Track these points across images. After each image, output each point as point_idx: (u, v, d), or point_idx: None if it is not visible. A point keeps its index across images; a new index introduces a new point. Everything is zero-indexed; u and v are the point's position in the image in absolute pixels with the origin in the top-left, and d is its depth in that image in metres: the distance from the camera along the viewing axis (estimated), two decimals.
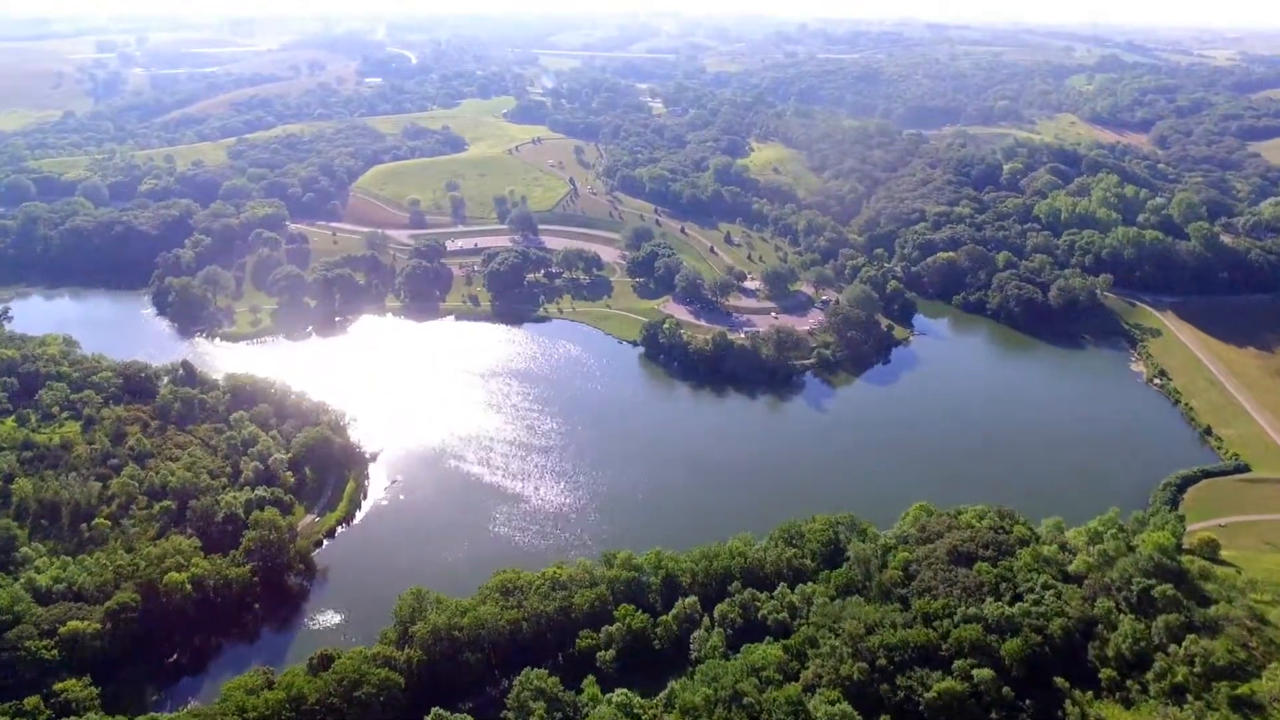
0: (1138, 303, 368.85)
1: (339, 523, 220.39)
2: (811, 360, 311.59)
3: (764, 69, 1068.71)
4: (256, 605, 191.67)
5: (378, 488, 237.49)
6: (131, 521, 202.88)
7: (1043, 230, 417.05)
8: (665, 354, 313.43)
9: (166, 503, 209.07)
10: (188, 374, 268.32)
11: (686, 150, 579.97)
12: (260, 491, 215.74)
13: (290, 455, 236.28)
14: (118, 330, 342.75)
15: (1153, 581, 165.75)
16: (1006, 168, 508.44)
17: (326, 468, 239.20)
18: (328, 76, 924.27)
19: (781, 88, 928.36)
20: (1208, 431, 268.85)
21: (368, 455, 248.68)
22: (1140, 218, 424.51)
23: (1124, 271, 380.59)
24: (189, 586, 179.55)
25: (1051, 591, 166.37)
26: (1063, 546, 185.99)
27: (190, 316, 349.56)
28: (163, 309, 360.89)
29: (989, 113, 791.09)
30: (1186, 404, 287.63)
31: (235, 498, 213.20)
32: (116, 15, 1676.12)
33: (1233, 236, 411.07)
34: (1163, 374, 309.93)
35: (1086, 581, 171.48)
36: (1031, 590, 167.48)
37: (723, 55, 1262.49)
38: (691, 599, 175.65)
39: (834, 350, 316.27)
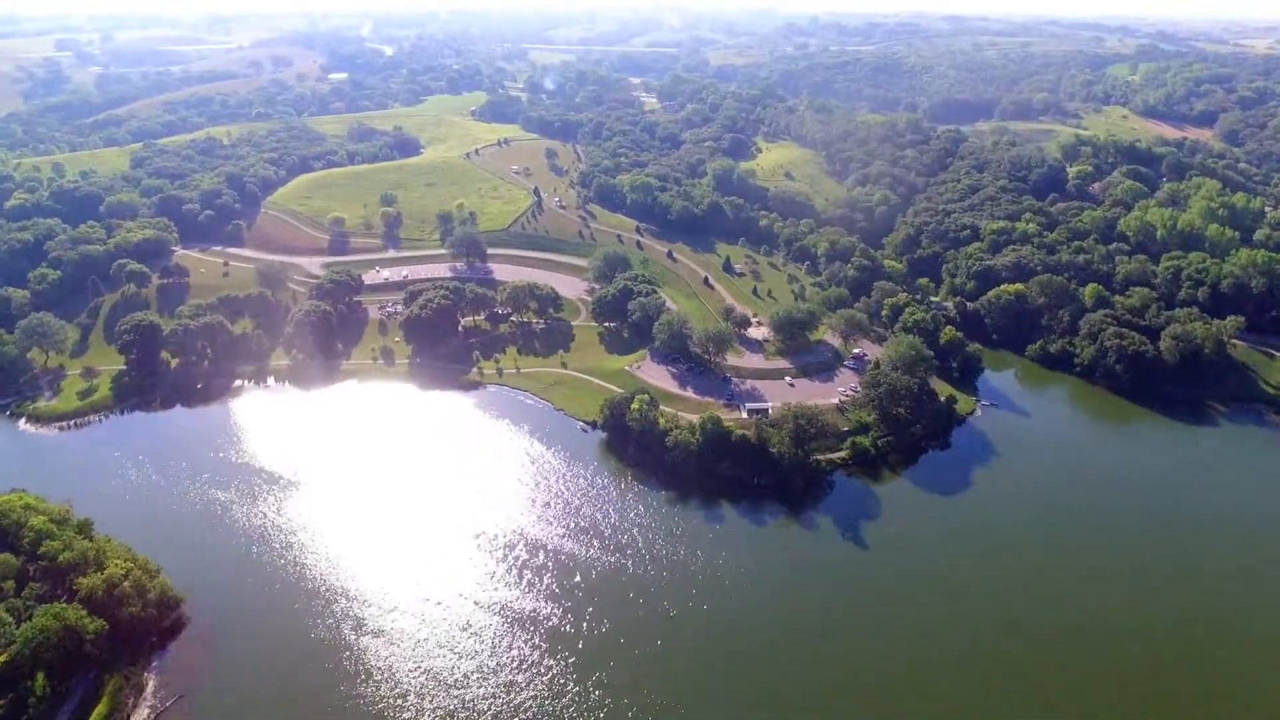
0: (1277, 354, 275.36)
1: None
2: (843, 453, 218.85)
3: (772, 62, 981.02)
4: None
5: (149, 709, 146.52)
6: None
7: (1134, 253, 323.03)
8: (636, 446, 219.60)
9: None
10: None
11: (681, 152, 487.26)
12: None
13: (6, 657, 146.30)
14: None
15: None
16: (1072, 171, 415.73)
17: (71, 671, 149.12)
18: (288, 74, 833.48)
19: (792, 81, 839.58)
20: None
21: (152, 640, 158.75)
22: (1257, 235, 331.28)
23: (1251, 310, 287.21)
24: None
25: None
26: None
27: (1, 385, 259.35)
28: None
29: (1026, 106, 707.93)
30: None
31: None
32: (95, 14, 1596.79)
33: None
34: None
35: None
36: None
37: (728, 48, 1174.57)
38: None
39: (874, 437, 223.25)
